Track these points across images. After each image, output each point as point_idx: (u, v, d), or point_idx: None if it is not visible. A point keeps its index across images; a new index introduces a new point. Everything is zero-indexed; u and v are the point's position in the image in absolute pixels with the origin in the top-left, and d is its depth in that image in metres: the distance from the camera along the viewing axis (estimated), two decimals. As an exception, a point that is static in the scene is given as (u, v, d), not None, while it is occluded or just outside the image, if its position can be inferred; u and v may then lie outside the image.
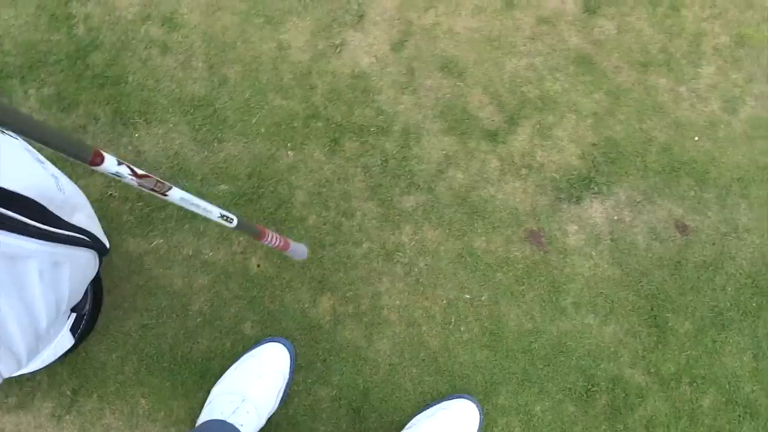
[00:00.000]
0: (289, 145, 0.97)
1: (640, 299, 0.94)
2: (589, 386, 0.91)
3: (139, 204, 0.94)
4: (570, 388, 0.91)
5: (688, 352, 0.92)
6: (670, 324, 0.93)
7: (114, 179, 0.75)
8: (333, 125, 0.98)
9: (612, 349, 0.92)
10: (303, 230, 0.94)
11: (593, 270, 0.94)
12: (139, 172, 0.46)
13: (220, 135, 0.97)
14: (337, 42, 1.02)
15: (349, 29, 1.03)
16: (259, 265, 0.93)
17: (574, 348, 0.92)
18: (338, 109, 0.99)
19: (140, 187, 0.46)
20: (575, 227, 0.95)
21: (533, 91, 1.00)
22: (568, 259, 0.94)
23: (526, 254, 0.94)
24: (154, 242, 0.93)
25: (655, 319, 0.93)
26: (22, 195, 0.53)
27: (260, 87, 0.99)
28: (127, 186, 0.87)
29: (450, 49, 1.02)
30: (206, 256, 0.93)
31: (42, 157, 0.69)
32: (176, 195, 0.52)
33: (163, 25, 1.01)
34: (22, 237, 0.52)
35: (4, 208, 0.50)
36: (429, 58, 1.02)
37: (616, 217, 0.96)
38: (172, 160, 0.96)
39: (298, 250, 0.85)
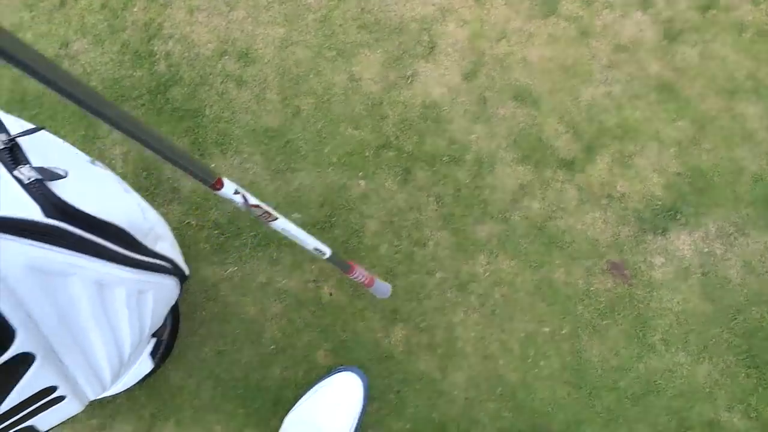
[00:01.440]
0: (360, 174, 1.56)
1: (736, 337, 1.40)
2: (683, 430, 1.36)
3: (215, 232, 1.54)
4: (662, 430, 1.36)
5: (793, 395, 1.36)
6: None
7: (192, 208, 1.34)
8: (404, 155, 1.56)
9: (707, 390, 1.38)
10: (375, 259, 1.49)
11: (683, 305, 1.42)
12: (251, 201, 0.81)
13: (293, 165, 1.57)
14: (408, 73, 1.63)
15: (420, 60, 1.64)
16: (331, 294, 1.48)
17: (665, 387, 1.38)
18: (410, 138, 1.58)
19: (251, 213, 0.89)
20: (662, 260, 1.45)
21: (612, 119, 1.55)
22: (654, 293, 1.43)
23: (608, 287, 1.44)
24: (229, 270, 1.51)
25: (754, 359, 1.38)
26: (111, 223, 0.78)
27: (332, 118, 1.61)
28: (205, 214, 1.48)
29: (523, 78, 1.61)
30: (279, 284, 1.49)
31: (129, 188, 1.24)
32: (280, 224, 0.91)
33: (239, 60, 1.67)
34: (113, 265, 0.84)
35: (95, 235, 0.73)
36: (502, 87, 1.60)
37: (706, 250, 1.45)
38: (246, 189, 1.56)
39: (382, 288, 1.31)
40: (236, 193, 0.75)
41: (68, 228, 0.75)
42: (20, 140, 0.77)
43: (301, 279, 1.40)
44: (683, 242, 1.37)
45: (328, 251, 1.01)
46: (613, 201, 1.41)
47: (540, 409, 1.29)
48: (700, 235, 1.37)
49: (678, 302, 1.33)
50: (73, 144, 1.45)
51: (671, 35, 1.52)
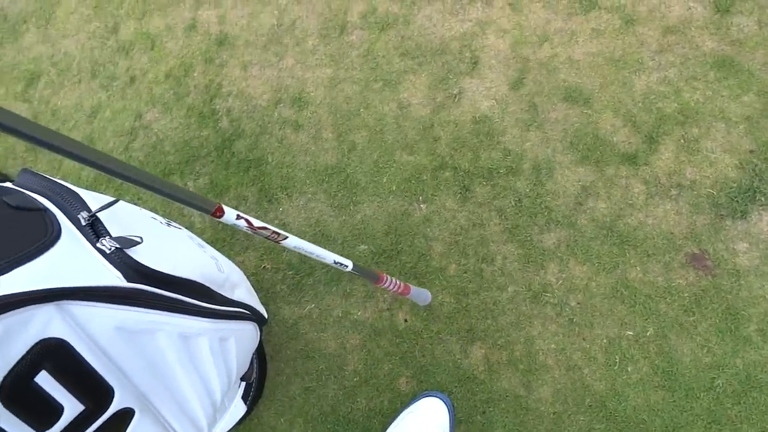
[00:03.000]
0: (420, 198, 1.54)
1: None
2: None
3: (290, 272, 1.57)
4: None
5: None
6: None
7: (266, 252, 1.37)
8: (461, 173, 1.53)
9: None
10: (444, 280, 1.47)
11: (776, 290, 1.30)
12: (256, 224, 0.79)
13: (354, 198, 1.58)
14: (455, 91, 1.61)
15: (465, 77, 1.61)
16: (406, 320, 1.47)
17: (768, 381, 1.26)
18: (464, 156, 1.55)
19: (258, 235, 0.91)
20: (745, 245, 1.33)
21: (671, 105, 1.45)
22: (742, 282, 1.32)
23: (691, 281, 1.34)
24: (307, 307, 1.54)
25: None
26: (188, 279, 0.85)
27: (386, 147, 1.60)
28: (278, 257, 1.51)
29: (571, 78, 1.54)
30: (355, 316, 1.50)
31: (202, 242, 1.29)
32: (291, 243, 0.89)
33: (293, 105, 1.71)
34: (193, 317, 0.90)
35: (174, 292, 0.80)
36: (550, 90, 1.54)
37: (794, 228, 1.32)
38: (314, 228, 1.59)
39: (421, 295, 1.29)
40: (238, 218, 0.75)
41: (148, 289, 0.80)
42: (100, 214, 0.83)
43: (376, 308, 1.40)
44: (767, 224, 1.26)
45: (349, 263, 0.99)
46: (683, 190, 1.31)
47: (634, 418, 1.22)
48: (786, 213, 1.25)
49: (771, 288, 1.22)
50: (154, 206, 1.54)
51: (723, 7, 1.41)
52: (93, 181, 1.68)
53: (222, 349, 1.05)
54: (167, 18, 1.79)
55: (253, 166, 1.56)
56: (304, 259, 1.45)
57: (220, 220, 0.70)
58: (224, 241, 1.51)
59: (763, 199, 1.27)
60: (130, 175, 0.55)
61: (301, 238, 1.49)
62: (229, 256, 1.35)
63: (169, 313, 0.85)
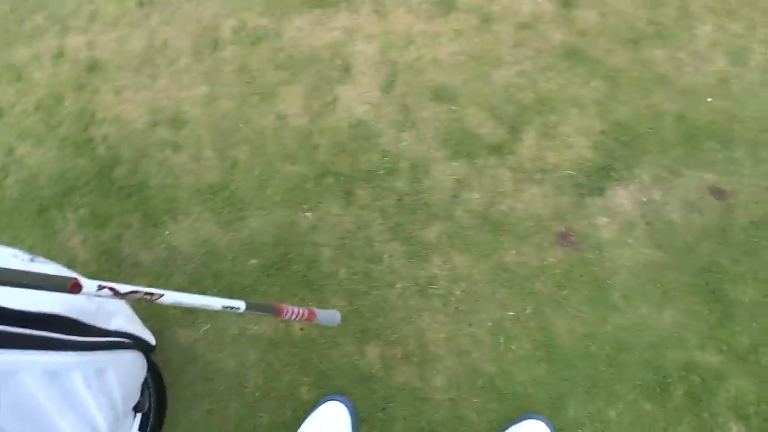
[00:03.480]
0: (305, 207, 1.56)
1: (692, 277, 1.38)
2: (662, 379, 1.34)
3: (182, 295, 1.55)
4: (641, 384, 1.34)
5: (759, 320, 1.33)
6: (731, 296, 1.35)
7: (155, 278, 1.35)
8: (343, 178, 1.56)
9: (675, 336, 1.35)
10: (336, 284, 1.49)
11: (635, 258, 1.40)
12: (122, 290, 0.70)
13: (240, 213, 1.58)
14: (330, 99, 1.63)
15: (338, 84, 1.64)
16: (302, 329, 1.48)
17: (635, 343, 1.36)
18: (344, 161, 1.58)
19: (129, 300, 0.83)
20: (605, 219, 1.44)
21: (529, 95, 1.54)
22: (605, 253, 1.42)
23: (560, 258, 1.43)
24: (202, 329, 1.52)
25: (713, 293, 1.36)
26: (49, 314, 0.79)
27: (268, 159, 1.61)
28: (167, 281, 1.49)
29: (437, 77, 1.60)
30: (251, 331, 1.50)
31: (73, 273, 1.24)
32: (169, 299, 0.80)
33: (171, 126, 1.68)
34: (59, 353, 0.83)
35: (32, 329, 0.74)
36: (419, 90, 1.60)
37: (645, 199, 1.43)
38: (202, 247, 1.57)
39: (328, 316, 1.26)
40: (101, 288, 0.67)
41: (1, 329, 0.76)
42: None
43: (271, 322, 1.41)
44: (622, 197, 1.36)
45: (241, 305, 0.93)
46: (546, 173, 1.40)
47: (522, 392, 1.28)
48: (636, 186, 1.36)
49: (629, 256, 1.32)
50: (33, 244, 1.48)
51: (567, 2, 1.51)
52: (-36, 224, 1.59)
53: (100, 382, 1.01)
54: (32, 47, 1.72)
55: (135, 191, 1.53)
56: (195, 280, 1.43)
57: (81, 294, 0.61)
58: (110, 271, 1.48)
59: (615, 175, 1.37)
60: None
61: (191, 259, 1.47)
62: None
63: (30, 351, 0.82)
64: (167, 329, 1.43)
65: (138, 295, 0.72)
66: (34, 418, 0.84)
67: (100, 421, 0.98)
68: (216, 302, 0.88)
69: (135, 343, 1.14)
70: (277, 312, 1.03)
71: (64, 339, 0.89)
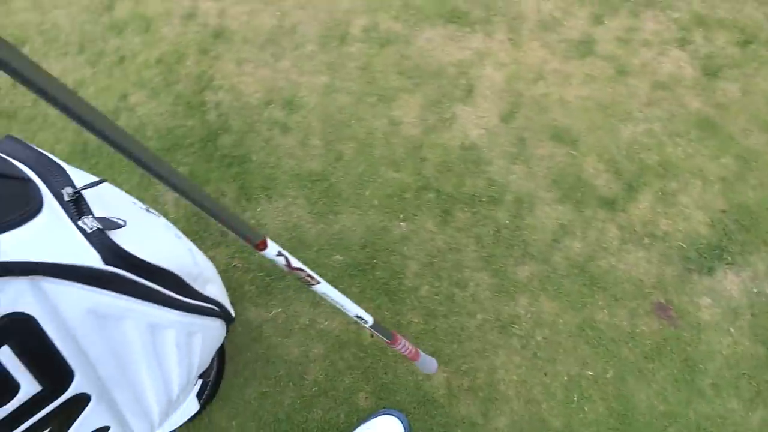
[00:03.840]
0: (401, 216, 1.54)
1: None
2: None
3: (261, 274, 1.54)
4: None
5: None
6: None
7: (238, 250, 1.35)
8: (444, 196, 1.54)
9: None
10: (415, 300, 1.47)
11: (733, 348, 1.34)
12: (294, 264, 0.75)
13: (335, 208, 1.57)
14: (447, 116, 1.62)
15: (459, 103, 1.63)
16: (372, 335, 1.46)
17: (717, 435, 1.29)
18: (449, 180, 1.56)
19: (292, 274, 0.85)
20: (708, 300, 1.38)
21: (653, 157, 1.50)
22: (702, 336, 1.35)
23: (654, 329, 1.37)
24: (273, 311, 1.51)
25: None
26: (164, 269, 0.81)
27: (373, 161, 1.60)
28: (250, 257, 1.49)
29: (561, 118, 1.57)
30: (322, 326, 1.48)
31: (180, 233, 1.26)
32: (321, 288, 0.85)
33: (284, 107, 1.69)
34: (164, 308, 0.86)
35: (149, 281, 0.76)
36: (540, 127, 1.57)
37: (755, 290, 1.37)
38: (290, 232, 1.57)
39: (428, 363, 1.22)
40: (279, 255, 0.72)
41: (125, 274, 0.77)
42: (84, 192, 0.79)
43: (343, 321, 1.39)
44: (731, 282, 1.30)
45: (370, 319, 0.97)
46: (656, 240, 1.35)
47: (586, 455, 1.22)
48: (749, 274, 1.30)
49: (728, 345, 1.26)
50: (128, 190, 1.50)
51: (711, 71, 1.47)
52: (67, 157, 1.62)
53: (188, 344, 1.02)
54: (166, 2, 1.76)
55: (236, 162, 1.54)
56: (277, 262, 1.42)
57: (262, 253, 0.67)
58: (196, 234, 1.48)
59: (729, 258, 1.31)
60: (173, 180, 0.50)
61: (276, 241, 1.47)
62: (201, 251, 1.32)
63: (142, 301, 0.83)
64: (239, 303, 1.42)
65: (302, 274, 0.72)
66: (123, 363, 0.84)
67: (176, 380, 0.98)
68: (353, 309, 0.91)
69: (222, 312, 1.13)
70: (392, 339, 1.03)
71: (172, 296, 0.90)
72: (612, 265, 1.34)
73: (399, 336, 1.06)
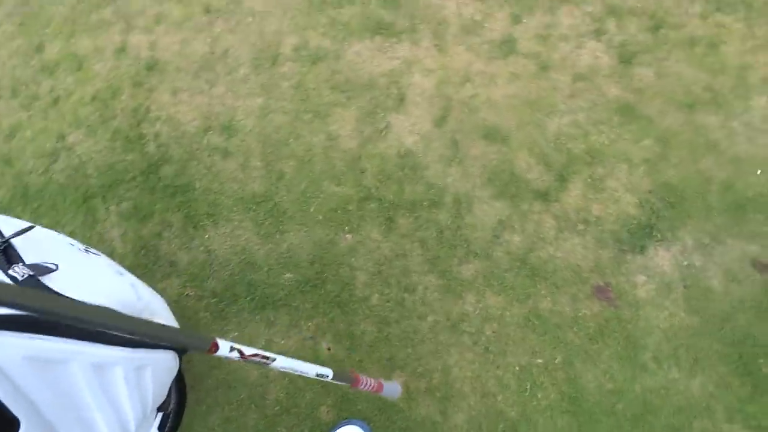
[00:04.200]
0: (346, 228, 1.57)
1: (726, 347, 1.37)
2: None
3: (214, 300, 1.56)
4: None
5: (791, 399, 1.32)
6: (764, 371, 1.35)
7: (189, 279, 1.36)
8: (386, 204, 1.58)
9: (703, 404, 1.34)
10: (367, 309, 1.50)
11: (669, 321, 1.40)
12: (247, 353, 0.75)
13: (281, 227, 1.60)
14: (382, 126, 1.66)
15: (392, 112, 1.67)
16: (329, 348, 1.49)
17: (662, 406, 1.35)
18: (389, 188, 1.59)
19: (248, 362, 0.85)
20: (643, 278, 1.44)
21: (579, 146, 1.56)
22: (641, 312, 1.42)
23: (595, 311, 1.43)
24: (230, 336, 1.53)
25: (746, 366, 1.35)
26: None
27: (314, 177, 1.63)
28: (202, 284, 1.50)
29: (491, 117, 1.62)
30: (279, 345, 1.50)
31: (122, 269, 1.27)
32: (279, 364, 0.86)
33: (222, 132, 1.71)
34: (108, 346, 0.87)
35: None
36: (471, 128, 1.62)
37: (685, 263, 1.44)
38: (239, 256, 1.59)
39: (392, 388, 1.26)
40: (232, 350, 0.72)
41: None
42: (14, 240, 0.80)
43: (299, 337, 1.41)
44: (662, 258, 1.36)
45: (330, 372, 0.99)
46: (589, 226, 1.40)
47: (542, 440, 1.27)
48: (678, 249, 1.36)
49: (664, 318, 1.32)
50: (73, 230, 1.50)
51: (626, 58, 1.53)
52: (8, 203, 1.62)
53: (138, 379, 1.03)
54: (96, 40, 1.76)
55: (180, 192, 1.55)
56: (228, 286, 1.45)
57: (216, 354, 0.67)
58: (146, 267, 1.49)
59: (659, 235, 1.38)
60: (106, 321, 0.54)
61: (227, 266, 1.48)
62: (151, 284, 1.33)
63: (84, 342, 0.84)
64: (195, 331, 1.43)
65: (257, 359, 0.74)
66: (72, 405, 0.85)
67: (130, 415, 0.99)
68: (311, 369, 0.92)
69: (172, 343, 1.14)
70: (355, 381, 1.06)
71: (115, 334, 0.91)
72: (551, 255, 1.39)
73: (360, 377, 1.08)
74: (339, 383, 1.01)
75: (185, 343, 0.63)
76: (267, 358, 0.77)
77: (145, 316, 1.10)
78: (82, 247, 1.06)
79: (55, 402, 0.81)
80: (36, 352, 0.73)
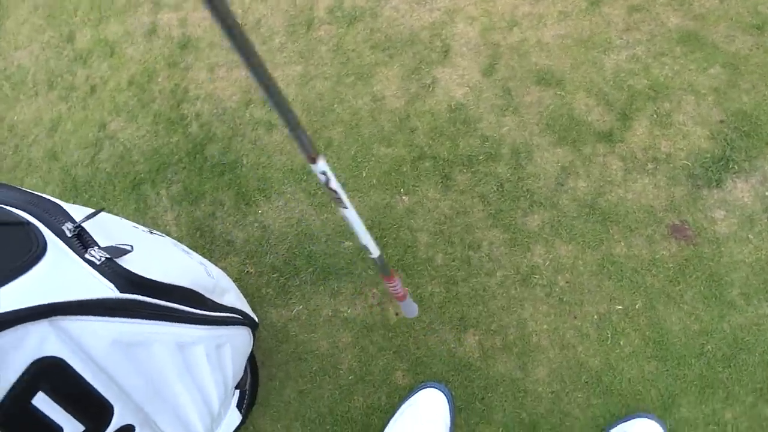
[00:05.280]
0: (402, 190, 1.53)
1: None
2: None
3: (275, 275, 1.54)
4: (761, 387, 1.27)
5: None
6: None
7: (248, 256, 1.33)
8: (441, 162, 1.53)
9: None
10: (433, 270, 1.46)
11: (755, 254, 1.33)
12: (332, 185, 0.75)
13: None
14: (428, 81, 1.60)
15: (437, 66, 1.60)
16: (397, 314, 1.46)
17: (754, 343, 1.29)
18: (443, 145, 1.54)
19: (329, 192, 0.86)
20: (722, 212, 1.37)
21: (641, 81, 1.48)
22: (723, 248, 1.35)
23: (673, 251, 1.37)
24: (295, 309, 1.51)
25: None
26: (179, 286, 0.83)
27: (363, 141, 1.58)
28: (261, 260, 1.48)
29: (542, 60, 1.55)
30: (345, 314, 1.48)
31: (187, 248, 1.26)
32: (347, 213, 0.84)
33: (264, 105, 1.67)
34: (188, 325, 0.87)
35: (167, 300, 0.77)
36: (523, 74, 1.55)
37: (767, 193, 1.36)
38: (296, 228, 1.56)
39: (411, 307, 1.25)
40: (323, 173, 0.74)
41: (142, 299, 0.78)
42: (85, 224, 0.79)
43: (365, 305, 1.39)
44: (741, 190, 1.29)
45: (376, 252, 0.98)
46: (659, 163, 1.34)
47: (630, 390, 1.23)
48: (758, 179, 1.29)
49: (749, 252, 1.25)
50: (126, 218, 1.49)
51: (684, -16, 1.44)
52: (58, 196, 1.61)
53: (218, 357, 1.02)
54: (125, 23, 1.73)
55: (228, 169, 1.52)
56: (288, 260, 1.42)
57: (311, 166, 0.71)
58: (204, 248, 1.47)
59: (735, 167, 1.30)
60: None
61: (284, 240, 1.45)
62: (212, 264, 1.31)
63: (165, 323, 0.82)
64: (260, 308, 1.42)
65: (335, 195, 0.75)
66: (159, 387, 0.84)
67: (214, 394, 0.98)
68: (365, 237, 0.91)
69: (245, 319, 1.13)
70: (390, 276, 1.06)
71: (193, 312, 0.91)
72: (621, 197, 1.33)
73: (394, 275, 1.09)
74: (378, 264, 1.00)
75: (301, 136, 0.62)
76: (341, 201, 0.79)
77: (217, 292, 1.09)
78: (146, 229, 1.04)
79: (143, 385, 0.80)
80: (121, 335, 0.72)
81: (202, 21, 1.70)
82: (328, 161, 1.41)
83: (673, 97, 1.37)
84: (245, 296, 1.41)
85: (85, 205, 1.47)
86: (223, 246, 1.48)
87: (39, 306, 0.60)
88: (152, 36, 1.72)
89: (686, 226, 1.30)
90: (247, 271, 1.46)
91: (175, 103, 1.62)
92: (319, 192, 1.47)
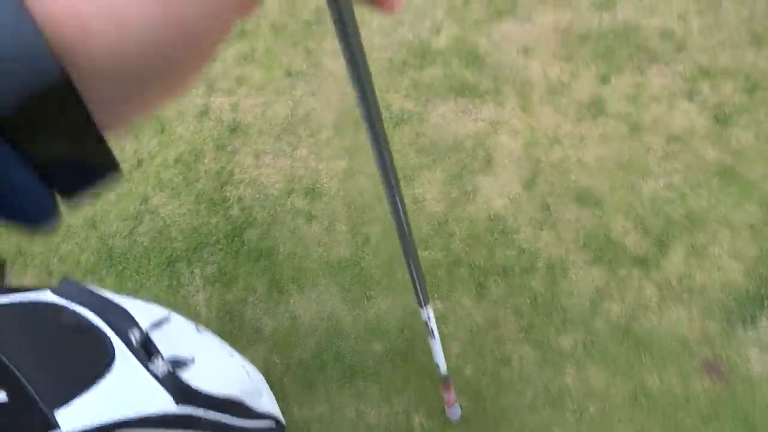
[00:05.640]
0: (436, 295, 1.54)
1: None
2: None
3: (300, 369, 1.53)
4: None
5: None
6: None
7: (275, 346, 1.34)
8: (476, 269, 1.55)
9: None
10: (462, 383, 1.45)
11: (790, 398, 1.33)
12: (431, 325, 0.93)
13: (368, 293, 1.58)
14: (469, 188, 1.64)
15: (479, 174, 1.65)
16: (422, 423, 1.44)
17: (789, 492, 1.27)
18: (479, 252, 1.57)
19: None
20: (756, 350, 1.37)
21: (678, 210, 1.51)
22: (756, 388, 1.35)
23: (706, 388, 1.36)
24: (318, 410, 1.49)
25: None
26: (230, 398, 0.87)
27: (401, 242, 1.62)
28: (288, 352, 1.48)
29: (582, 179, 1.60)
30: (369, 419, 1.46)
31: (231, 349, 1.26)
32: (435, 345, 1.05)
33: (306, 195, 1.71)
34: None
35: (218, 411, 0.81)
36: (562, 191, 1.59)
37: (803, 336, 1.37)
38: (326, 322, 1.57)
39: (455, 412, 1.30)
40: (429, 319, 0.82)
41: (196, 413, 0.77)
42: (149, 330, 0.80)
43: (391, 411, 1.38)
44: (777, 331, 1.29)
45: (444, 369, 1.11)
46: (694, 294, 1.35)
47: None
48: (794, 321, 1.29)
49: (785, 396, 1.24)
50: (158, 294, 1.50)
51: (722, 120, 1.50)
52: (93, 265, 1.64)
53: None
54: (179, 103, 1.81)
55: (264, 255, 1.55)
56: (315, 354, 1.42)
57: (421, 310, 0.80)
58: (230, 333, 1.48)
59: (771, 306, 1.32)
60: None
61: (314, 333, 1.46)
62: (236, 351, 1.31)
63: None
64: (283, 402, 1.41)
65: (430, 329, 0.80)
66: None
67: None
68: (441, 360, 1.08)
69: (277, 425, 1.13)
70: (448, 386, 1.21)
71: (237, 426, 0.91)
72: (655, 325, 1.34)
73: (452, 388, 1.21)
74: (441, 377, 1.15)
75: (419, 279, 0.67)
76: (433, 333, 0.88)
77: (255, 396, 1.09)
78: (193, 326, 1.05)
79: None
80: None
81: (254, 108, 1.77)
82: (365, 259, 1.44)
83: (708, 228, 1.40)
84: (270, 387, 1.40)
85: (118, 276, 1.50)
86: (251, 333, 1.49)
87: (106, 425, 0.61)
88: (203, 117, 1.79)
89: (719, 362, 1.30)
90: (273, 361, 1.46)
91: (219, 185, 1.67)
92: (353, 288, 1.49)
